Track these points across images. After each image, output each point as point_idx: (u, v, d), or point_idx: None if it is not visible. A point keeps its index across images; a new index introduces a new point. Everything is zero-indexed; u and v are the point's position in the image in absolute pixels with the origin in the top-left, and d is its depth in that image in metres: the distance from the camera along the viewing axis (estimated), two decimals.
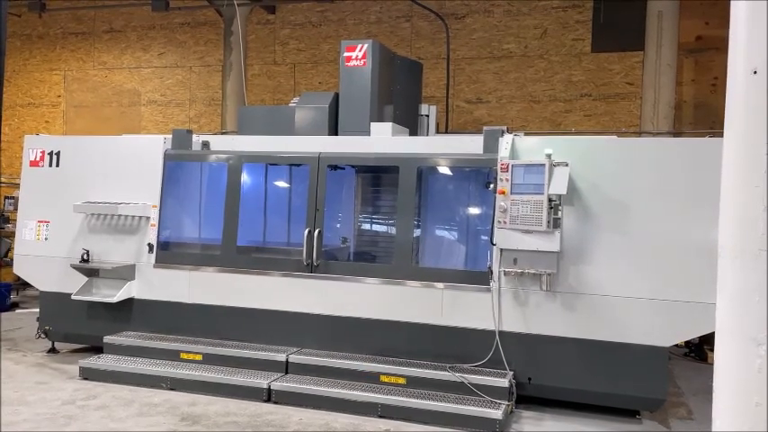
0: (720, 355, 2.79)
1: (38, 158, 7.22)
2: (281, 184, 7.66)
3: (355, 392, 5.54)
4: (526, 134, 6.10)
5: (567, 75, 9.32)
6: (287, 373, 5.97)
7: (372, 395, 5.49)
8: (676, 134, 8.62)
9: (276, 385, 5.72)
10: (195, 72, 11.48)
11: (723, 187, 2.84)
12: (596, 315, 5.49)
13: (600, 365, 5.47)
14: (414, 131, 7.58)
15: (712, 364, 8.64)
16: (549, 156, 5.34)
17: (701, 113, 8.85)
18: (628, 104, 9.07)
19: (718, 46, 8.82)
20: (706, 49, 8.89)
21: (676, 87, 8.81)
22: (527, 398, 5.71)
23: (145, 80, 11.81)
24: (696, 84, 8.94)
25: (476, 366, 5.66)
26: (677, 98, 8.84)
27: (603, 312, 5.47)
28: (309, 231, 6.27)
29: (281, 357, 6.03)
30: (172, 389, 5.97)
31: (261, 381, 5.76)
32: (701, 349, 7.97)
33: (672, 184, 5.37)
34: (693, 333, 5.37)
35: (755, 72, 2.59)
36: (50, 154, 7.19)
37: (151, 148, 6.93)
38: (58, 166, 7.17)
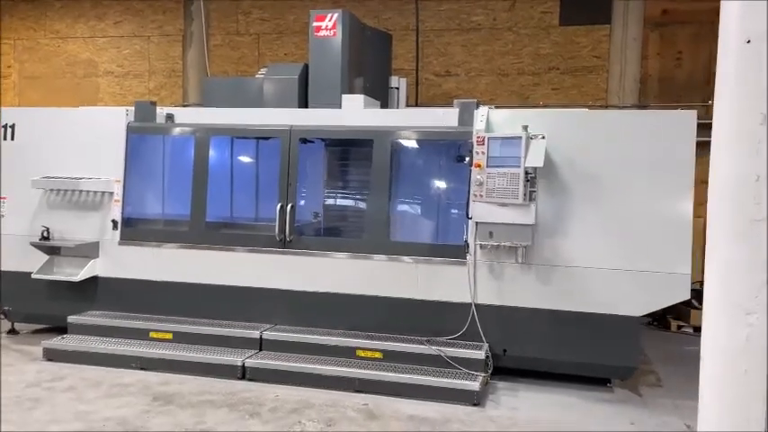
0: (708, 324, 2.82)
1: None
2: (250, 157, 7.47)
3: (332, 368, 5.50)
4: (497, 107, 6.07)
5: (536, 48, 9.29)
6: (261, 350, 5.88)
7: (349, 370, 5.46)
8: (641, 107, 8.71)
9: (251, 362, 5.63)
10: (154, 42, 11.04)
11: (712, 158, 2.85)
12: (570, 286, 5.55)
13: (574, 336, 5.55)
14: (384, 104, 7.47)
15: (675, 333, 8.82)
16: (525, 128, 5.32)
17: (666, 87, 8.95)
18: (595, 78, 9.09)
19: (684, 20, 8.91)
20: (671, 24, 8.96)
21: (642, 61, 8.89)
22: (501, 369, 5.76)
23: (100, 50, 11.31)
24: (661, 58, 9.02)
25: (452, 339, 5.68)
26: (642, 72, 8.91)
27: (577, 284, 5.54)
28: (282, 206, 6.15)
29: (255, 334, 5.93)
30: (142, 368, 5.82)
31: (235, 358, 5.67)
32: (663, 318, 8.19)
33: (644, 157, 5.43)
34: (665, 302, 5.47)
35: (749, 41, 2.58)
36: (5, 127, 6.84)
37: (113, 120, 6.66)
38: (13, 139, 6.84)
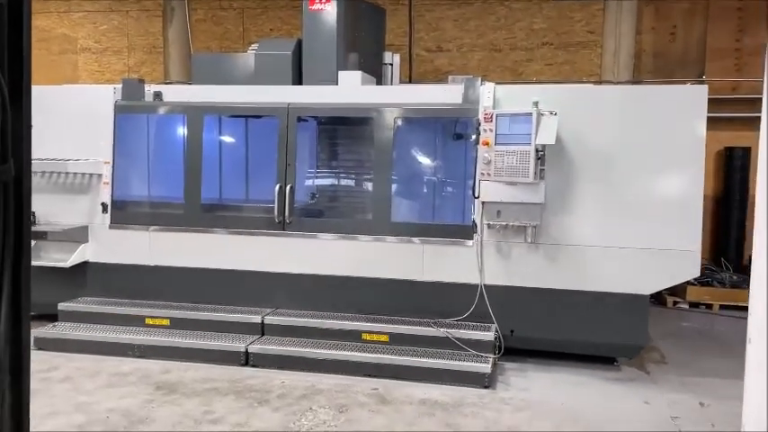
0: (756, 304, 2.73)
1: None
2: (245, 136, 7.22)
3: (338, 352, 5.38)
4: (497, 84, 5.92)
5: (529, 22, 9.14)
6: (263, 335, 5.72)
7: (356, 354, 5.34)
8: (636, 83, 8.64)
9: (254, 348, 5.48)
10: (133, 17, 10.63)
11: (762, 130, 2.74)
12: (577, 265, 5.48)
13: (581, 315, 5.49)
14: (378, 81, 7.27)
15: (671, 308, 8.79)
16: (536, 105, 5.18)
17: (660, 62, 8.89)
18: (588, 53, 8.99)
19: None
20: None
21: (636, 36, 8.80)
22: (508, 349, 5.69)
23: (76, 25, 10.86)
24: (655, 32, 8.93)
25: (458, 321, 5.59)
26: (637, 47, 8.83)
27: (584, 262, 5.47)
28: (281, 187, 5.96)
29: (257, 319, 5.77)
30: (140, 356, 5.63)
31: (238, 344, 5.51)
32: (659, 294, 8.20)
33: (654, 132, 5.34)
34: (674, 280, 5.44)
35: None
36: None
37: (100, 99, 6.37)
38: None
